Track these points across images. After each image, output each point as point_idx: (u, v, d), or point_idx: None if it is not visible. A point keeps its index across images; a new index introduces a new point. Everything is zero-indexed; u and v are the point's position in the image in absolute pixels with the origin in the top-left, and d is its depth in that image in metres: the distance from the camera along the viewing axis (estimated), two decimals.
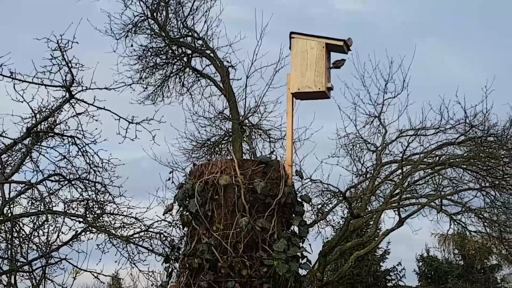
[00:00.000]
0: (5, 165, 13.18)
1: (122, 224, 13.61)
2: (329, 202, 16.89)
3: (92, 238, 13.44)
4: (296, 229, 7.55)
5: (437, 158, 15.93)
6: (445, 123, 15.50)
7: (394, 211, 16.31)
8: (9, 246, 12.95)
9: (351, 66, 14.73)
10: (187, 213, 7.44)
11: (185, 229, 7.61)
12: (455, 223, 16.53)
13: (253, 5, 12.86)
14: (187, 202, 7.43)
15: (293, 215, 7.52)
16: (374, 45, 15.47)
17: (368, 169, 15.98)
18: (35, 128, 12.77)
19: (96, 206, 13.56)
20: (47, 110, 12.82)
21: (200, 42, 16.31)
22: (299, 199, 7.65)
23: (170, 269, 7.72)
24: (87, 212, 13.48)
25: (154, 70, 16.89)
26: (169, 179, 7.88)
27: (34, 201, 13.41)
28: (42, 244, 13.23)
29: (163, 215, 11.99)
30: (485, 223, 16.62)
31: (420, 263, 34.69)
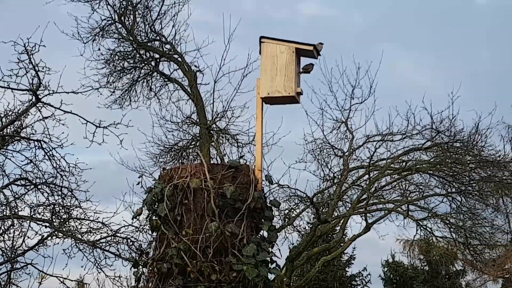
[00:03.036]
0: None
1: (89, 229, 13.52)
2: (296, 207, 16.90)
3: (58, 243, 13.34)
4: (265, 234, 7.55)
5: (404, 163, 15.99)
6: (412, 128, 15.59)
7: (361, 216, 16.37)
8: None
9: (318, 72, 14.75)
10: (156, 218, 7.41)
11: (154, 233, 7.57)
12: (422, 228, 16.61)
13: (221, 9, 12.84)
14: (156, 206, 7.40)
15: (263, 220, 7.52)
16: (340, 50, 15.48)
17: (335, 174, 16.01)
18: (1, 132, 12.65)
19: (63, 210, 13.46)
20: (13, 113, 12.72)
21: (168, 46, 16.27)
22: (269, 204, 7.64)
23: (138, 274, 7.68)
24: (54, 217, 13.37)
25: (121, 74, 16.81)
26: (138, 183, 7.85)
27: None
28: (8, 249, 13.09)
29: (132, 219, 11.85)
30: (451, 229, 16.70)
31: (386, 269, 34.82)
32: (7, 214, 12.80)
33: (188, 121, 15.99)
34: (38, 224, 13.24)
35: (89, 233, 13.51)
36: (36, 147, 12.99)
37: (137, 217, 7.71)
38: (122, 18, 16.22)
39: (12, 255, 12.93)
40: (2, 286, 12.78)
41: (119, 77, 16.83)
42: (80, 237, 13.36)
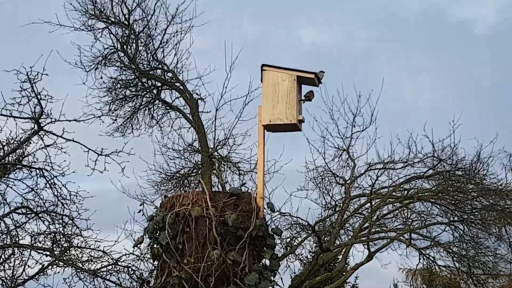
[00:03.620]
0: None
1: (90, 258, 13.46)
2: (298, 236, 16.84)
3: (58, 272, 13.29)
4: (267, 262, 7.50)
5: (406, 191, 15.94)
6: (414, 156, 15.55)
7: (363, 245, 16.27)
8: None
9: (319, 99, 14.76)
10: (158, 246, 7.38)
11: (155, 262, 7.53)
12: (424, 257, 16.53)
13: (222, 38, 12.88)
14: (157, 234, 7.38)
15: (265, 248, 7.48)
16: (341, 76, 15.50)
17: (337, 203, 15.97)
18: (2, 160, 12.65)
19: (64, 239, 13.42)
20: (15, 142, 12.73)
21: (170, 74, 16.29)
22: (271, 232, 7.61)
23: None
24: (54, 245, 13.33)
25: (123, 102, 16.83)
26: (140, 211, 7.83)
27: (0, 234, 13.24)
28: (8, 278, 13.04)
29: (133, 247, 11.88)
30: (454, 258, 16.61)
31: None
32: (8, 243, 12.78)
33: (189, 149, 15.99)
34: (38, 253, 13.20)
35: (90, 262, 13.45)
36: (38, 175, 13.01)
37: (138, 245, 7.70)
38: (125, 46, 16.26)
39: (12, 285, 12.87)
40: None
41: (121, 105, 16.85)
42: (81, 266, 13.30)
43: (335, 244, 16.00)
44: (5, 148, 12.67)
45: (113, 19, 15.91)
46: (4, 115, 12.13)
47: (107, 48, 16.32)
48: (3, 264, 13.10)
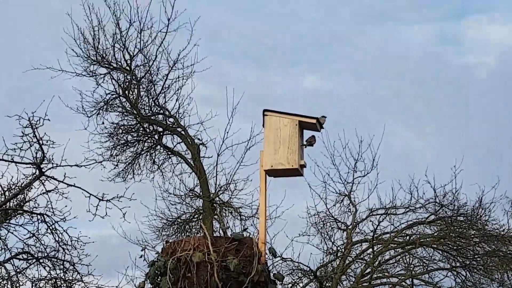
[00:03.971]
0: None
1: None
2: (299, 281, 16.76)
3: None
4: None
5: (408, 237, 15.94)
6: (415, 202, 15.60)
7: None
8: None
9: (321, 145, 14.81)
10: None
11: None
12: None
13: (224, 84, 12.98)
14: (159, 280, 7.34)
15: None
16: (342, 123, 15.60)
17: (338, 248, 15.94)
18: (4, 206, 12.66)
19: (64, 285, 13.37)
20: (17, 187, 12.74)
21: (171, 120, 16.31)
22: (272, 278, 7.58)
23: None
24: None
25: (125, 147, 16.82)
26: (141, 256, 7.80)
27: (1, 280, 13.19)
28: None
29: None
30: None
31: None
32: None
33: (191, 194, 15.97)
34: None
35: None
36: (39, 221, 13.02)
37: None
38: (127, 92, 16.30)
39: None
40: None
41: (122, 151, 16.84)
42: None
43: None
44: (7, 193, 12.69)
45: (115, 65, 15.97)
46: (6, 160, 12.18)
47: (109, 93, 16.37)
48: None
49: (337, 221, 15.92)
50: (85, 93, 16.21)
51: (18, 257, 13.13)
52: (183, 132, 15.90)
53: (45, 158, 12.25)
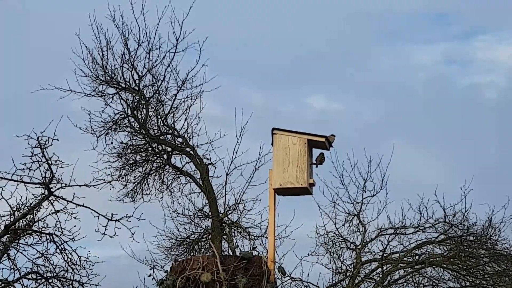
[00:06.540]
0: None
1: None
2: None
3: None
4: None
5: (417, 257, 15.88)
6: (425, 222, 15.58)
7: None
8: None
9: (330, 165, 14.79)
10: None
11: None
12: None
13: (232, 104, 12.99)
14: None
15: None
16: (350, 143, 15.58)
17: (348, 267, 15.89)
18: (13, 226, 12.67)
19: None
20: (26, 207, 12.78)
21: (180, 139, 16.32)
22: None
23: None
24: None
25: (133, 167, 16.82)
26: (150, 275, 7.79)
27: None
28: None
29: None
30: None
31: None
32: None
33: (200, 214, 15.94)
34: None
35: None
36: (48, 241, 13.05)
37: None
38: (135, 112, 16.32)
39: None
40: None
41: (131, 170, 16.83)
42: None
43: None
44: (16, 213, 12.71)
45: (123, 85, 16.01)
46: (15, 180, 12.23)
47: (118, 113, 16.39)
48: None
49: (346, 240, 15.88)
50: (93, 113, 16.25)
51: (27, 277, 13.14)
52: (191, 152, 15.89)
53: (54, 178, 12.29)
